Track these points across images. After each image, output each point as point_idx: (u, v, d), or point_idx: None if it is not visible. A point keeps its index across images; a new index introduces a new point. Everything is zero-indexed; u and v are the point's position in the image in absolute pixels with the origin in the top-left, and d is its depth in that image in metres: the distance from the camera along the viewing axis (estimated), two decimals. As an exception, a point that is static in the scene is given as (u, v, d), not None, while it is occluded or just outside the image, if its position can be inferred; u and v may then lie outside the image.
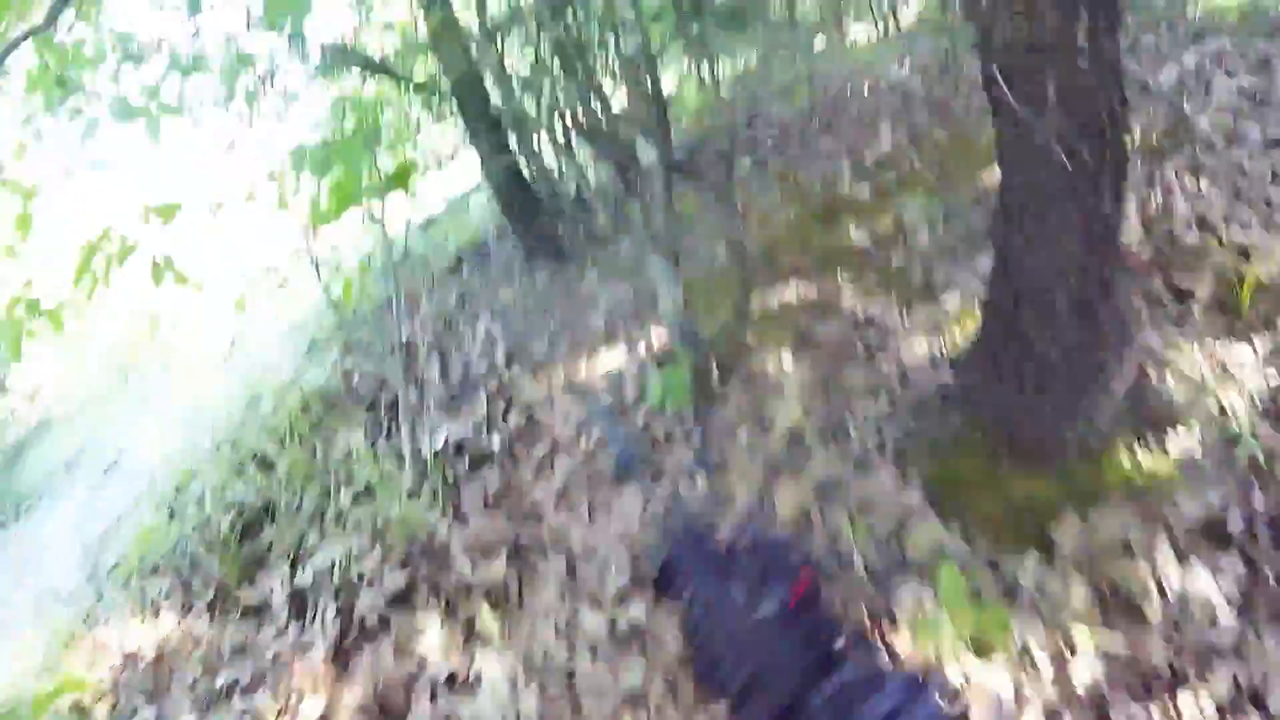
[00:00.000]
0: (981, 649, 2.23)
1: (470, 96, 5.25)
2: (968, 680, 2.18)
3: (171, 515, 4.83)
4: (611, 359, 4.15)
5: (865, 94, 6.20)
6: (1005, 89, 2.22)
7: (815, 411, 3.15)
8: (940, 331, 3.32)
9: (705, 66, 6.62)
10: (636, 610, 2.73)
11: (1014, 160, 2.39)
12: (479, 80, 5.23)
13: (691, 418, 3.46)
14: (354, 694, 2.91)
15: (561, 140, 5.67)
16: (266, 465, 4.62)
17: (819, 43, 7.59)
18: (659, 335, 4.05)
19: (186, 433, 5.90)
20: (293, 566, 3.78)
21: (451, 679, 2.84)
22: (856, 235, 4.23)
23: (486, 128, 5.34)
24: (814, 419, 3.12)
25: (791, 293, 3.97)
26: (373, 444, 4.33)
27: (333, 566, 3.54)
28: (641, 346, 4.09)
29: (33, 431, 8.73)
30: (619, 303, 4.64)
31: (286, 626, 3.46)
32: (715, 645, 1.04)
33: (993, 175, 4.31)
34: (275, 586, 3.72)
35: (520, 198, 5.54)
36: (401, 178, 4.99)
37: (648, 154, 3.17)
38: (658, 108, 3.33)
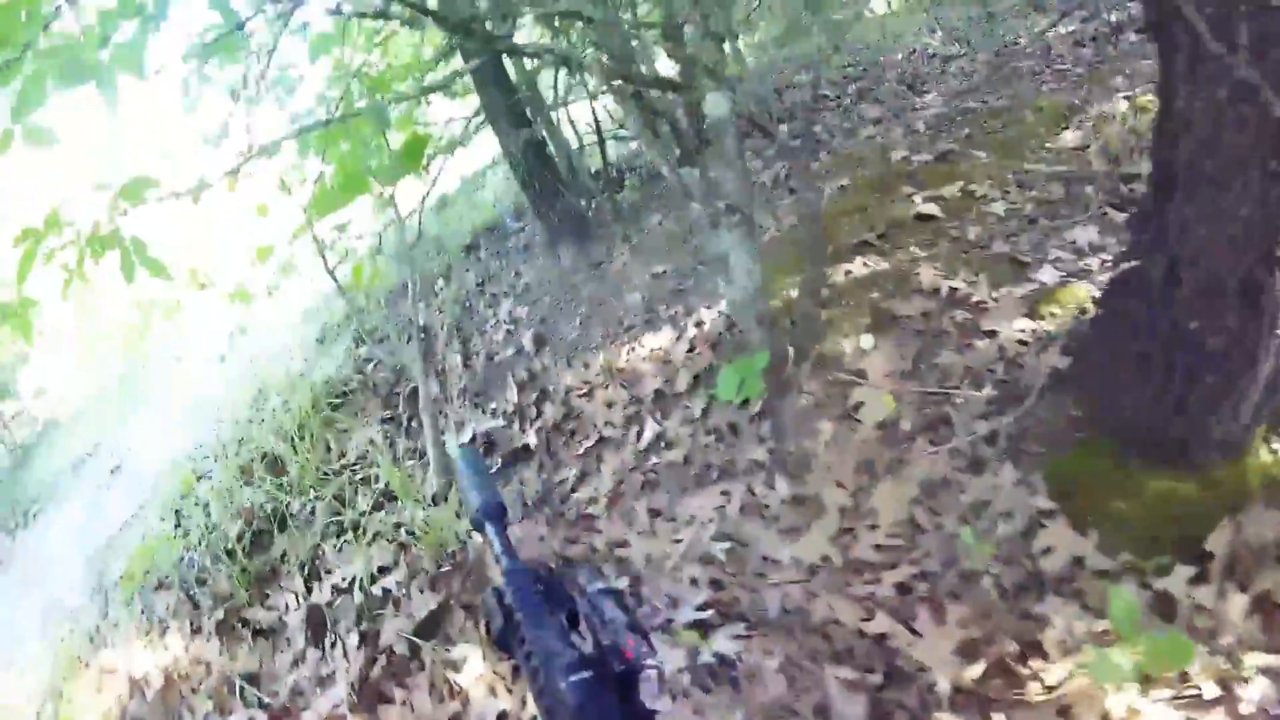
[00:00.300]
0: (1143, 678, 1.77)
1: (486, 65, 4.68)
2: (1133, 714, 1.71)
3: (177, 524, 4.28)
4: (656, 343, 3.59)
5: (903, 62, 5.63)
6: (1192, 25, 1.69)
7: (908, 400, 2.60)
8: (1039, 310, 2.78)
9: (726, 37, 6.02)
10: (725, 641, 2.18)
11: (1189, 112, 1.87)
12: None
13: (759, 408, 2.90)
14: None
15: (596, 101, 5.06)
16: (276, 467, 4.07)
17: (841, 15, 6.97)
18: (711, 317, 3.50)
19: (191, 431, 5.33)
20: (308, 582, 3.24)
21: (503, 715, 2.29)
22: (922, 204, 3.66)
23: (504, 99, 4.78)
24: (909, 408, 2.58)
25: (859, 267, 3.39)
26: (391, 442, 3.79)
27: (352, 584, 2.99)
28: (691, 329, 3.53)
29: (39, 433, 8.16)
30: (657, 282, 4.07)
31: (304, 653, 2.92)
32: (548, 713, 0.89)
33: (1063, 141, 3.84)
34: (289, 605, 3.18)
35: (541, 173, 4.97)
36: (414, 154, 4.43)
37: (718, 105, 2.59)
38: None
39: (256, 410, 4.90)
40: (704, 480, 2.80)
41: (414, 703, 2.43)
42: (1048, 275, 2.93)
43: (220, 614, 3.37)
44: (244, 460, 4.29)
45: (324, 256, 3.61)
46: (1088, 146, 3.69)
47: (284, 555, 3.47)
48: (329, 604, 3.03)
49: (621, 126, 5.57)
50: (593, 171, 5.53)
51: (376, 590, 2.91)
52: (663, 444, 3.02)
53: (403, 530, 3.10)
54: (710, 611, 2.28)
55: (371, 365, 4.64)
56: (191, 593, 3.66)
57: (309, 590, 3.20)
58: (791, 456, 2.67)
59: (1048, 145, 3.84)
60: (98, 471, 6.26)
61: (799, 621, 2.16)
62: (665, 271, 4.10)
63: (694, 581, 2.40)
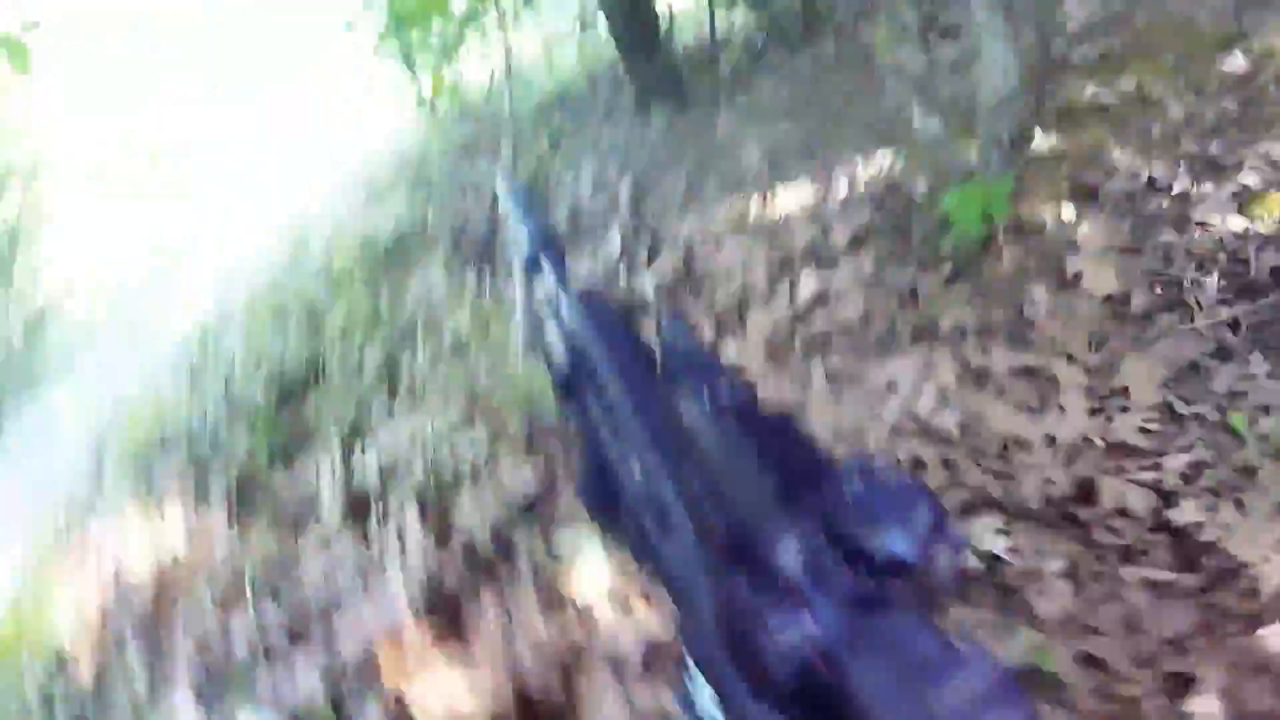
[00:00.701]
0: None
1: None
2: None
3: (192, 382, 3.39)
4: (795, 197, 2.71)
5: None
6: None
7: (1133, 275, 2.01)
8: (1248, 210, 2.21)
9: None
10: (985, 535, 1.47)
11: None
12: None
13: (949, 271, 2.16)
14: (474, 670, 1.49)
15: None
16: (314, 317, 3.17)
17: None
18: (870, 172, 2.64)
19: (220, 290, 4.35)
20: (348, 444, 2.37)
21: (654, 649, 1.43)
22: (1095, 94, 2.89)
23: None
24: (1136, 285, 1.98)
25: (1040, 142, 2.57)
26: (459, 292, 2.89)
27: (411, 447, 2.12)
28: (842, 184, 2.65)
29: (55, 300, 7.12)
30: (780, 143, 3.17)
31: (339, 539, 2.05)
32: (628, 458, 0.58)
33: (1230, 65, 3.11)
34: (322, 474, 2.31)
35: (637, 25, 4.02)
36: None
37: None
38: None
39: (293, 261, 3.96)
40: (890, 345, 2.03)
41: (512, 616, 1.56)
42: (1250, 179, 2.29)
43: (233, 479, 2.52)
44: (275, 308, 3.39)
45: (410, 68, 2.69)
46: (1256, 73, 2.89)
47: (319, 414, 2.60)
48: (378, 473, 2.17)
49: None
50: (681, 48, 4.59)
51: (444, 459, 2.03)
52: (828, 302, 2.18)
53: (479, 385, 2.22)
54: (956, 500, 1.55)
55: (431, 214, 3.72)
56: (201, 457, 2.80)
57: (348, 457, 2.33)
58: (1006, 323, 1.98)
59: (1212, 67, 3.04)
60: (114, 337, 5.28)
61: (1074, 513, 1.55)
62: (787, 131, 3.20)
63: (918, 462, 1.66)
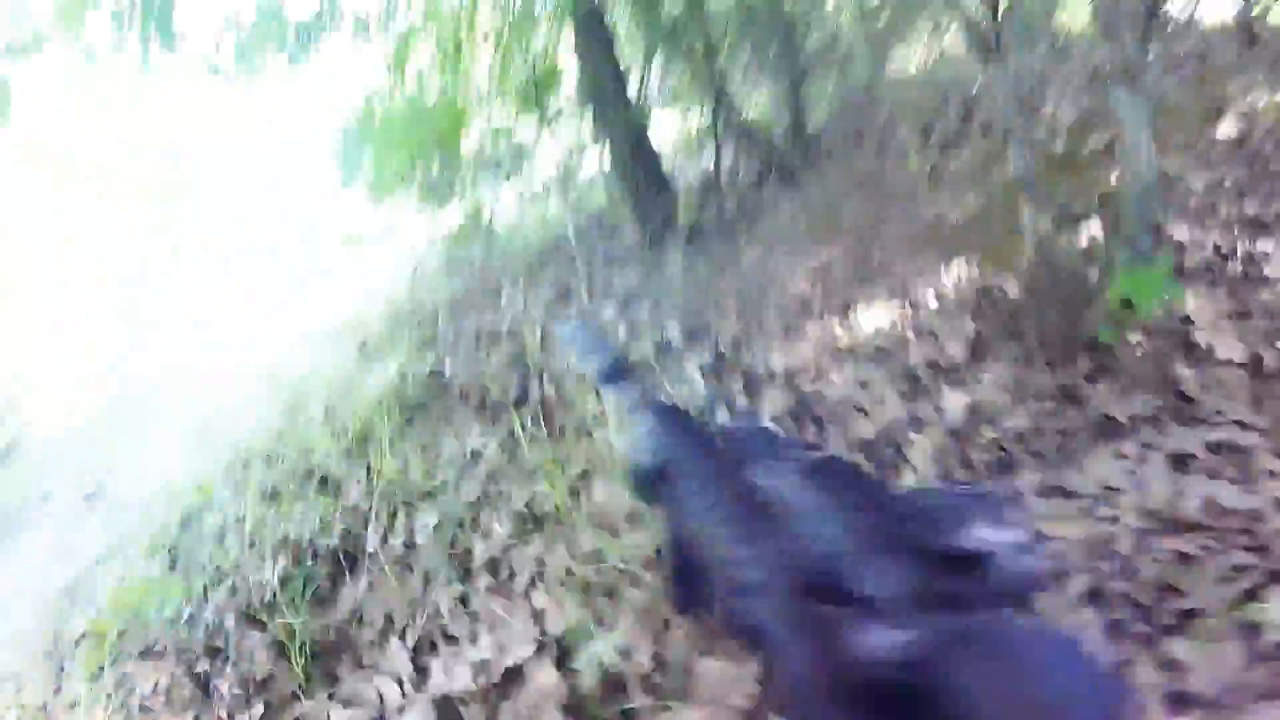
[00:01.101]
0: None
1: (590, 37, 3.58)
2: None
3: (173, 563, 2.76)
4: (881, 317, 2.41)
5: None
6: None
7: (1252, 338, 1.94)
8: None
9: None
10: None
11: None
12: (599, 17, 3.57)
13: (1088, 368, 1.96)
14: None
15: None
16: (330, 489, 2.62)
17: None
18: (951, 284, 2.39)
19: (197, 454, 3.67)
20: (419, 650, 1.83)
21: None
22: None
23: (610, 77, 3.65)
24: (1261, 345, 1.91)
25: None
26: (510, 457, 2.42)
27: (539, 638, 1.61)
28: (931, 300, 2.37)
29: (5, 452, 6.14)
30: (826, 266, 2.89)
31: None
32: (731, 549, 0.66)
33: (1222, 132, 3.04)
34: (387, 689, 1.77)
35: (644, 162, 3.78)
36: (549, 79, 3.36)
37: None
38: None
39: (291, 423, 3.39)
40: (1070, 447, 1.76)
41: None
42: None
43: (258, 708, 1.94)
44: (277, 478, 2.81)
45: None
46: (1248, 135, 2.94)
47: (359, 614, 2.06)
48: (492, 687, 1.63)
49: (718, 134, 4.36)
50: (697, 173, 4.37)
51: (606, 657, 1.53)
52: (984, 417, 1.88)
53: (605, 566, 1.74)
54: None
55: (448, 368, 3.24)
56: (199, 668, 2.19)
57: (421, 660, 1.80)
58: (1171, 405, 1.83)
59: (1210, 138, 3.03)
60: (71, 500, 4.44)
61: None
62: (829, 261, 2.92)
63: (1184, 557, 1.47)
